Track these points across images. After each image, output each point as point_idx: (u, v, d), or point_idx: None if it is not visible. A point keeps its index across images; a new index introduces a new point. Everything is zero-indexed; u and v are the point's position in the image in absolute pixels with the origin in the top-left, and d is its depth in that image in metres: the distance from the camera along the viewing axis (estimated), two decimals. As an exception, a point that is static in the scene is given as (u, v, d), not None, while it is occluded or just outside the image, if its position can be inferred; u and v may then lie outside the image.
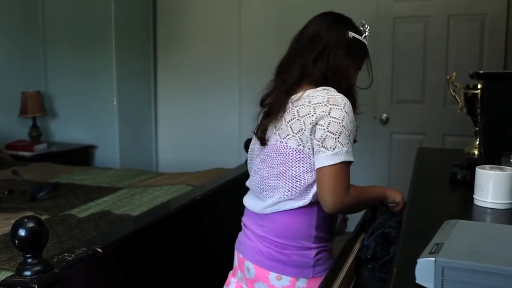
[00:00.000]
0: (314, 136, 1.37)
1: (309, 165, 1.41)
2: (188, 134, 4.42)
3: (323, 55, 1.46)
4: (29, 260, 1.34)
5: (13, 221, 1.36)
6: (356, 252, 1.52)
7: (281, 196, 1.44)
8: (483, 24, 3.50)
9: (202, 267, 2.27)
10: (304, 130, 1.38)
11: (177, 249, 2.07)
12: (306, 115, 1.38)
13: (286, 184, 1.43)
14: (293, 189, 1.42)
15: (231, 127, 4.23)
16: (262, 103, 1.55)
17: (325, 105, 1.37)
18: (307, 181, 1.41)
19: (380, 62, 3.65)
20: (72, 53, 4.19)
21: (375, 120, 3.81)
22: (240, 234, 1.62)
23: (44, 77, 4.30)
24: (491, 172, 1.32)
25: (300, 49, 1.50)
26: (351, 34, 1.49)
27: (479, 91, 2.01)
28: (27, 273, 1.33)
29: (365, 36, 1.53)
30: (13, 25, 4.02)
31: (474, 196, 1.35)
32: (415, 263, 0.82)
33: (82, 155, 4.11)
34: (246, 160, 2.87)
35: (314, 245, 1.46)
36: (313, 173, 1.41)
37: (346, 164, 1.37)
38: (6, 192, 2.53)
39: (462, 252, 0.82)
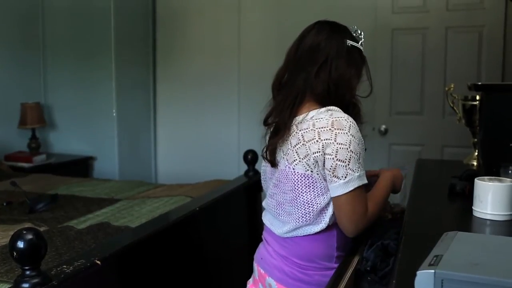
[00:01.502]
0: (324, 166, 1.35)
1: (319, 189, 1.39)
2: (187, 146, 4.41)
3: (325, 66, 1.42)
4: (27, 272, 1.33)
5: (11, 233, 1.36)
6: (355, 264, 1.52)
7: (297, 222, 1.43)
8: (481, 36, 3.52)
9: (201, 279, 2.26)
10: (310, 155, 1.36)
11: (176, 260, 2.06)
12: (311, 140, 1.36)
13: (299, 211, 1.42)
14: (307, 215, 1.41)
15: (230, 138, 4.23)
16: (265, 123, 1.52)
17: (329, 129, 1.34)
18: (319, 205, 1.40)
19: (378, 73, 3.66)
20: (72, 64, 4.21)
21: (374, 131, 3.82)
22: (261, 249, 1.60)
23: (43, 88, 4.31)
24: (490, 183, 1.31)
25: (299, 62, 1.46)
26: (349, 42, 1.46)
27: (477, 102, 2.02)
28: (25, 285, 1.32)
29: (361, 42, 1.50)
30: (13, 37, 4.04)
31: (473, 207, 1.35)
32: (415, 275, 0.81)
33: (81, 167, 4.10)
34: (245, 172, 2.90)
35: (336, 265, 1.46)
36: (324, 197, 1.39)
37: (360, 188, 1.37)
38: (4, 204, 2.52)
39: (461, 264, 0.82)
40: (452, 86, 2.22)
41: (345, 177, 1.33)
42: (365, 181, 1.38)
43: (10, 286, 1.39)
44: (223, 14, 4.22)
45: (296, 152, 1.38)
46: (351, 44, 1.46)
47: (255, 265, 1.60)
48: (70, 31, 4.18)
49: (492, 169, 1.54)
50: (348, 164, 1.33)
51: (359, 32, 1.53)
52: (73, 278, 1.44)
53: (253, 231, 2.68)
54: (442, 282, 0.79)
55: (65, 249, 1.84)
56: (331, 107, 1.40)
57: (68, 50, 4.21)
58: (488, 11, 3.49)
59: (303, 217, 1.41)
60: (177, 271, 2.06)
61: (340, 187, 1.34)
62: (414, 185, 1.83)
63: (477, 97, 2.02)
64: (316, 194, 1.39)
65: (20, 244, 1.29)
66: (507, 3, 3.36)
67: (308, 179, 1.38)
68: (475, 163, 2.10)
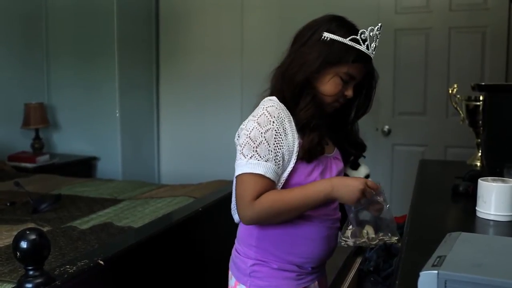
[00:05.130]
0: None
1: None
2: (190, 146, 4.42)
3: (291, 55, 1.40)
4: (31, 272, 1.34)
5: (15, 233, 1.36)
6: (358, 265, 1.52)
7: (232, 205, 1.48)
8: (484, 36, 3.52)
9: (204, 279, 2.26)
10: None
11: (179, 261, 2.06)
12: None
13: (234, 195, 1.46)
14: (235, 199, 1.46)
15: (233, 139, 4.22)
16: None
17: (249, 116, 1.39)
18: None
19: (381, 74, 3.56)
20: (75, 65, 4.22)
21: (377, 132, 3.82)
22: None
23: (47, 89, 4.32)
24: (493, 184, 1.31)
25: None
26: (327, 34, 1.36)
27: (480, 103, 2.02)
28: (29, 285, 1.32)
29: (352, 38, 1.38)
30: (17, 37, 4.05)
31: (476, 208, 1.35)
32: (418, 275, 0.81)
33: (84, 167, 4.12)
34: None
35: (253, 254, 1.43)
36: None
37: (249, 176, 1.29)
38: (8, 204, 2.53)
39: (465, 265, 0.82)
40: (456, 86, 2.22)
41: (237, 161, 1.33)
42: (258, 171, 1.27)
43: (13, 286, 1.40)
44: (225, 15, 4.22)
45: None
46: (329, 38, 1.36)
47: None
48: (74, 31, 4.20)
49: (495, 170, 1.54)
50: (243, 149, 1.33)
51: (367, 32, 1.44)
52: (76, 278, 1.44)
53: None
54: (445, 283, 0.78)
55: (68, 249, 1.84)
56: (272, 97, 1.40)
57: (72, 50, 4.22)
58: (492, 11, 3.48)
59: (234, 201, 1.45)
60: (179, 271, 2.06)
61: (235, 169, 1.34)
62: (417, 185, 1.83)
63: (481, 98, 2.02)
64: None
65: (24, 244, 1.30)
66: (511, 3, 3.36)
67: None
68: (478, 164, 2.09)
